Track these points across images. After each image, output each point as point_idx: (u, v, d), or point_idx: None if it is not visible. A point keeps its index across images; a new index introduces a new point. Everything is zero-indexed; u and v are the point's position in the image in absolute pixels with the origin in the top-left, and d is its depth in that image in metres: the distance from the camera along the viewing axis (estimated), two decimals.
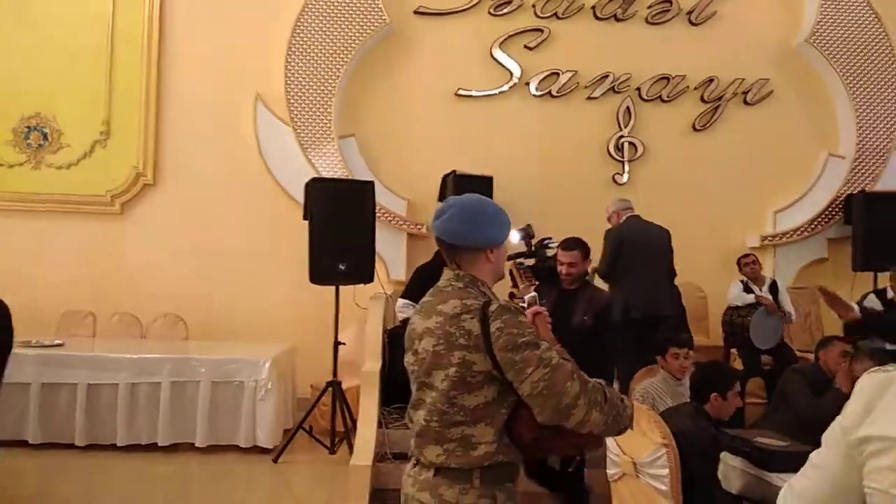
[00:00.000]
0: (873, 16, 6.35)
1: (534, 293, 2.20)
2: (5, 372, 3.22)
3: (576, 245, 3.83)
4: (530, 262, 4.01)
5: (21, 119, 6.23)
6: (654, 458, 2.54)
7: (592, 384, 1.72)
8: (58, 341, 5.30)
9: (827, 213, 6.33)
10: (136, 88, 6.24)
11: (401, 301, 5.01)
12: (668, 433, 2.53)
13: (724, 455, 2.89)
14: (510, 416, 1.75)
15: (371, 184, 5.31)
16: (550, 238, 4.28)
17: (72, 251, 6.11)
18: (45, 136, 6.26)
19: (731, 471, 2.89)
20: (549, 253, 4.20)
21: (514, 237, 3.88)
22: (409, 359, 1.87)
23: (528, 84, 6.40)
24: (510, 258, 3.29)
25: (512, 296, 2.60)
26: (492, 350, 1.69)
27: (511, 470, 1.79)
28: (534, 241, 4.26)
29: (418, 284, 4.67)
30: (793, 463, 2.64)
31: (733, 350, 5.65)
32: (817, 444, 1.17)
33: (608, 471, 2.90)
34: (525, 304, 2.14)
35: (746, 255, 5.81)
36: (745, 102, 6.45)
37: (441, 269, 1.95)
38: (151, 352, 5.12)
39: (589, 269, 4.18)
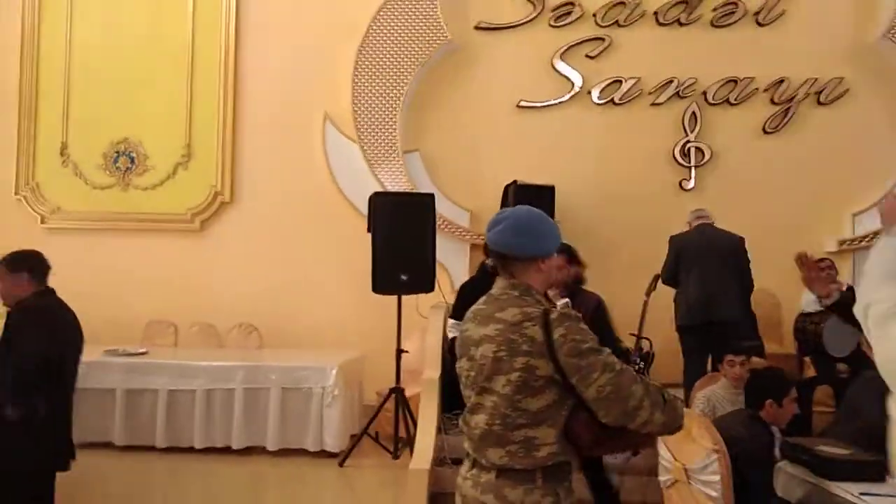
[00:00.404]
0: None
1: (566, 299, 2.27)
2: (83, 376, 3.45)
3: (562, 249, 3.61)
4: None
5: (110, 144, 6.71)
6: (706, 464, 2.51)
7: (653, 386, 1.81)
8: (142, 350, 5.64)
9: None
10: (214, 113, 6.62)
11: (450, 321, 5.05)
12: (719, 439, 2.49)
13: (784, 463, 2.80)
14: (569, 417, 1.82)
15: (431, 196, 5.43)
16: None
17: (156, 266, 6.51)
18: (132, 160, 6.71)
19: (791, 479, 2.80)
20: None
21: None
22: (463, 364, 1.95)
23: (589, 93, 6.39)
24: None
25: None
26: (555, 356, 1.77)
27: (569, 468, 1.87)
28: None
29: (463, 303, 4.72)
30: (855, 472, 2.57)
31: (807, 358, 5.42)
32: (883, 454, 1.18)
33: (660, 477, 2.87)
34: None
35: (822, 260, 5.57)
36: (819, 103, 6.22)
37: (484, 282, 2.04)
38: (226, 360, 5.38)
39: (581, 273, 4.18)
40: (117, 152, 6.72)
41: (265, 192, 6.55)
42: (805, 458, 2.72)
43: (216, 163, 6.61)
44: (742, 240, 5.08)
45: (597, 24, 6.41)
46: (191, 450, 5.14)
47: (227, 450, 5.14)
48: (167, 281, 6.45)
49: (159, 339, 6.21)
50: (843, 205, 6.16)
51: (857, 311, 1.35)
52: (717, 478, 2.41)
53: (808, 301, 5.39)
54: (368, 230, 5.23)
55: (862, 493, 2.39)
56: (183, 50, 6.66)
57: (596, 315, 3.70)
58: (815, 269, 3.13)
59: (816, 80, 6.20)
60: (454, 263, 6.31)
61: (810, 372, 5.29)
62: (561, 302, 2.31)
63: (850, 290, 5.36)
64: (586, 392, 1.77)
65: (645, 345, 4.76)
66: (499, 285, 1.95)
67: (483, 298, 2.00)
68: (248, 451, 5.15)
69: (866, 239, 6.00)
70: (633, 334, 4.77)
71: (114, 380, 5.18)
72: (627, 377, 1.77)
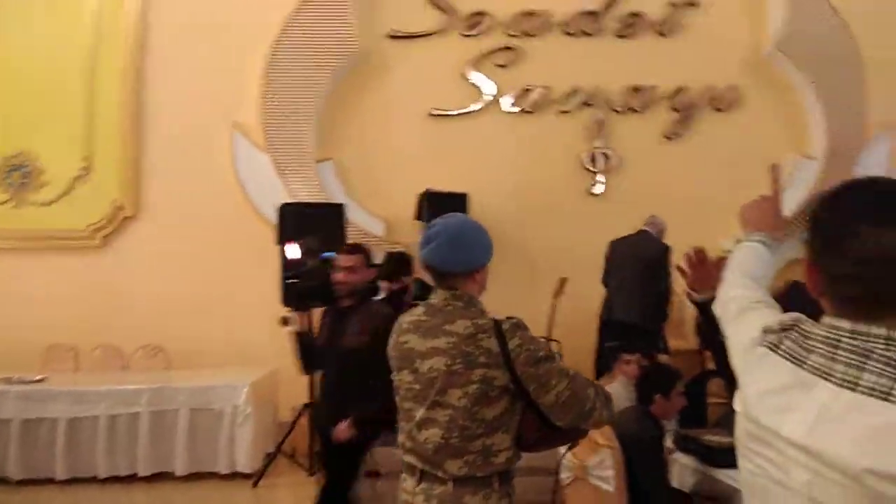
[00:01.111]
0: (840, 22, 6.41)
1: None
2: None
3: (358, 249, 3.46)
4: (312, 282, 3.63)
5: (3, 159, 6.34)
6: (601, 460, 2.55)
7: (599, 385, 1.91)
8: (38, 377, 5.33)
9: (800, 214, 6.33)
10: (116, 124, 6.35)
11: None
12: (611, 435, 2.55)
13: (678, 455, 2.89)
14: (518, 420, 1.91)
15: (341, 206, 5.38)
16: (333, 251, 3.69)
17: (54, 286, 6.17)
18: (27, 175, 6.36)
19: (684, 469, 2.89)
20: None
21: (294, 251, 3.71)
22: (404, 377, 1.95)
23: (500, 101, 6.48)
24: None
25: None
26: (512, 366, 1.81)
27: (516, 468, 1.95)
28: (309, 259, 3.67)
29: None
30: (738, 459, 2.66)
31: (708, 352, 5.63)
32: None
33: (561, 475, 2.91)
34: None
35: (721, 259, 5.80)
36: (716, 110, 6.51)
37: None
38: (131, 383, 5.15)
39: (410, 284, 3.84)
40: (11, 167, 6.36)
41: (171, 206, 6.33)
42: (694, 447, 2.82)
43: (118, 176, 6.33)
44: (666, 249, 5.23)
45: (507, 33, 6.51)
46: (94, 480, 4.88)
47: (132, 478, 4.91)
48: (67, 302, 6.12)
49: (59, 363, 5.88)
50: (739, 206, 6.41)
51: (717, 307, 1.41)
52: (611, 472, 2.46)
53: None
54: (278, 242, 5.12)
55: None
56: (82, 59, 6.36)
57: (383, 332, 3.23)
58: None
59: (714, 87, 6.50)
60: None
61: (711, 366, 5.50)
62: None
63: None
64: (544, 398, 1.82)
65: (554, 347, 4.84)
66: (439, 296, 1.96)
67: (421, 309, 1.99)
68: (155, 477, 4.94)
69: None
70: (543, 337, 4.84)
71: (9, 409, 4.88)
72: (581, 381, 1.85)
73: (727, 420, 3.65)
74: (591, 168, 6.47)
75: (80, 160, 6.35)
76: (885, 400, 0.91)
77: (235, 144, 6.35)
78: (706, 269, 1.81)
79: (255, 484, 4.78)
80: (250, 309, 6.09)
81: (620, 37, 6.56)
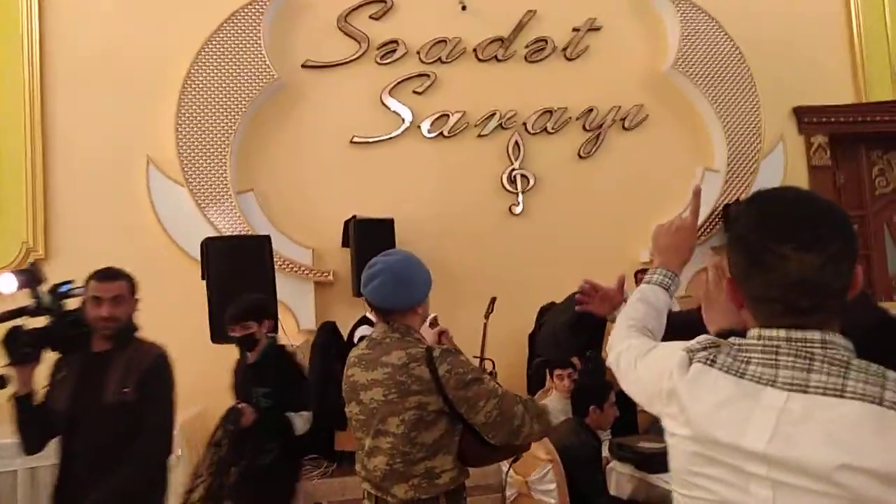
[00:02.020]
0: (728, 39, 6.91)
1: (433, 315, 2.48)
2: None
3: (120, 274, 2.78)
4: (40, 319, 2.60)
5: None
6: (542, 474, 2.66)
7: (528, 399, 2.01)
8: None
9: (708, 223, 6.76)
10: (21, 161, 6.07)
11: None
12: (551, 449, 2.66)
13: (615, 463, 3.04)
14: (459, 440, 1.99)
15: (267, 238, 5.34)
16: (71, 282, 2.87)
17: None
18: None
19: (621, 477, 3.04)
20: (73, 303, 2.75)
21: (8, 284, 2.58)
22: (353, 409, 2.06)
23: (419, 127, 6.61)
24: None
25: None
26: (443, 390, 1.92)
27: (464, 487, 2.03)
28: (42, 290, 2.67)
29: None
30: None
31: None
32: None
33: (506, 492, 3.00)
34: (429, 325, 2.36)
35: (643, 271, 6.12)
36: (624, 128, 6.87)
37: None
38: None
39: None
40: None
41: (85, 245, 6.07)
42: (629, 455, 2.97)
43: (26, 215, 6.05)
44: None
45: (421, 60, 6.66)
46: None
47: None
48: None
49: None
50: (651, 218, 6.76)
51: (610, 360, 1.43)
52: (553, 486, 2.57)
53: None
54: (203, 277, 5.03)
55: None
56: None
57: (152, 380, 2.60)
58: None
59: (620, 107, 6.85)
60: (299, 303, 6.21)
61: None
62: (430, 317, 2.46)
63: None
64: (475, 419, 1.93)
65: (488, 365, 4.96)
66: (379, 330, 2.09)
67: (364, 343, 2.11)
68: None
69: None
70: (477, 357, 4.96)
71: None
72: (509, 400, 1.96)
73: (657, 426, 3.85)
74: (511, 189, 6.67)
75: None
76: (841, 397, 0.94)
77: (151, 179, 6.20)
78: (605, 294, 1.80)
79: None
80: (177, 347, 5.89)
81: (530, 61, 6.82)
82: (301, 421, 3.45)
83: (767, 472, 0.97)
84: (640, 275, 6.04)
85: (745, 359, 1.05)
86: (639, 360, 1.29)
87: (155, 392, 2.57)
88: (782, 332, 1.02)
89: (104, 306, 2.61)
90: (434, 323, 2.39)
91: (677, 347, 1.18)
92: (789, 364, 1.00)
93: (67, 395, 2.53)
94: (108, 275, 2.73)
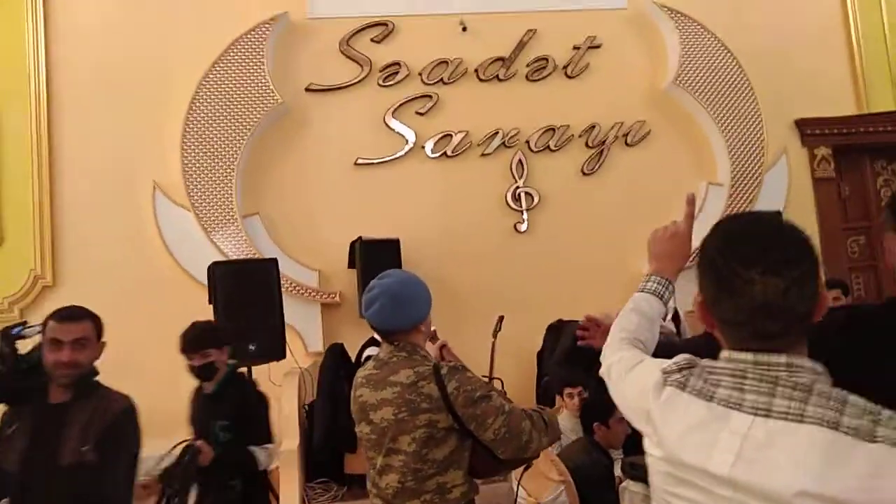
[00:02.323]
0: (728, 53, 6.95)
1: (443, 340, 2.52)
2: None
3: (85, 314, 2.49)
4: None
5: None
6: (555, 496, 2.65)
7: (535, 414, 2.05)
8: None
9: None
10: (27, 188, 6.12)
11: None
12: (563, 470, 2.65)
13: (628, 482, 3.01)
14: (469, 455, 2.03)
15: (274, 261, 5.35)
16: (24, 322, 2.76)
17: None
18: None
19: (634, 496, 3.02)
20: (28, 346, 2.56)
21: None
22: (363, 429, 2.09)
23: (423, 147, 6.64)
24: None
25: None
26: (452, 408, 1.95)
27: (473, 501, 2.07)
28: None
29: None
30: None
31: None
32: None
33: None
34: (429, 339, 2.40)
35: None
36: (627, 144, 6.88)
37: None
38: None
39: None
40: None
41: (93, 272, 6.12)
42: (641, 474, 2.93)
43: (34, 244, 6.09)
44: None
45: (423, 82, 6.71)
46: None
47: None
48: None
49: None
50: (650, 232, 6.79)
51: (602, 371, 1.46)
52: None
53: None
54: (210, 302, 5.04)
55: None
56: None
57: (116, 432, 2.33)
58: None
59: (622, 123, 6.87)
60: (306, 326, 6.21)
61: None
62: (439, 342, 2.52)
63: (676, 313, 5.94)
64: (484, 435, 1.97)
65: (497, 385, 4.94)
66: (385, 350, 2.14)
67: (371, 363, 2.15)
68: None
69: None
70: (485, 376, 4.94)
71: None
72: (516, 416, 2.00)
73: None
74: (516, 207, 6.69)
75: None
76: (801, 422, 0.97)
77: (157, 204, 6.24)
78: (606, 329, 1.74)
79: None
80: (183, 372, 5.91)
81: (531, 80, 6.86)
82: (264, 455, 3.24)
83: (733, 495, 0.99)
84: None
85: (716, 381, 1.07)
86: (626, 375, 1.32)
87: (118, 451, 2.23)
88: (749, 356, 1.05)
89: (64, 350, 2.32)
90: (434, 337, 2.43)
91: (656, 367, 1.20)
92: (754, 388, 1.02)
93: (18, 453, 2.21)
94: (70, 315, 2.43)
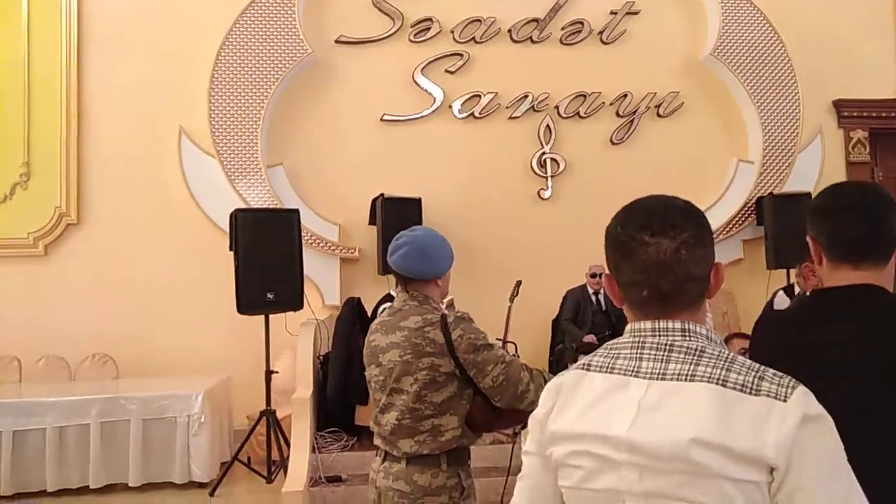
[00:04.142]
0: (770, 27, 6.74)
1: (451, 297, 2.59)
2: None
3: None
4: None
5: None
6: None
7: (536, 371, 2.14)
8: None
9: (740, 215, 6.65)
10: (56, 128, 6.17)
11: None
12: None
13: None
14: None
15: (296, 211, 5.36)
16: None
17: None
18: None
19: None
20: None
21: None
22: (373, 371, 2.21)
23: (450, 107, 6.56)
24: None
25: None
26: (455, 354, 2.06)
27: (468, 452, 2.18)
28: None
29: None
30: None
31: None
32: None
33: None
34: (444, 308, 2.52)
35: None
36: (658, 115, 6.75)
37: None
38: (79, 393, 5.03)
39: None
40: None
41: (117, 212, 6.19)
42: None
43: (60, 182, 6.15)
44: None
45: (455, 40, 6.60)
46: (42, 493, 4.75)
47: (84, 490, 4.80)
48: (8, 312, 5.92)
49: (1, 375, 5.68)
50: None
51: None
52: None
53: None
54: (231, 248, 5.08)
55: None
56: (16, 62, 6.16)
57: None
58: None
59: (655, 94, 6.73)
60: (324, 279, 6.25)
61: None
62: (446, 299, 2.62)
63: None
64: (483, 382, 2.07)
65: (511, 349, 4.95)
66: (400, 298, 2.24)
67: (387, 311, 2.28)
68: (108, 489, 4.84)
69: None
70: (500, 339, 4.95)
71: None
72: (515, 366, 2.09)
73: None
74: (540, 173, 6.62)
75: (18, 166, 6.14)
76: (691, 381, 1.03)
77: (183, 150, 6.25)
78: None
79: (213, 493, 4.73)
80: (202, 316, 6.02)
81: (565, 44, 6.73)
82: None
83: (630, 458, 1.04)
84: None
85: (615, 354, 1.13)
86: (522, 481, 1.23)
87: None
88: (648, 324, 1.11)
89: None
90: (451, 305, 2.55)
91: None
92: (650, 356, 1.09)
93: None
94: None
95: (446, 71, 6.59)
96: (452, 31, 6.58)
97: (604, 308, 5.90)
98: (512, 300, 5.08)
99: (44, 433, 4.80)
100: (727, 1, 6.71)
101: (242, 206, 5.84)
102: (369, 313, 5.32)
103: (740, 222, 6.64)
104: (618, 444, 1.04)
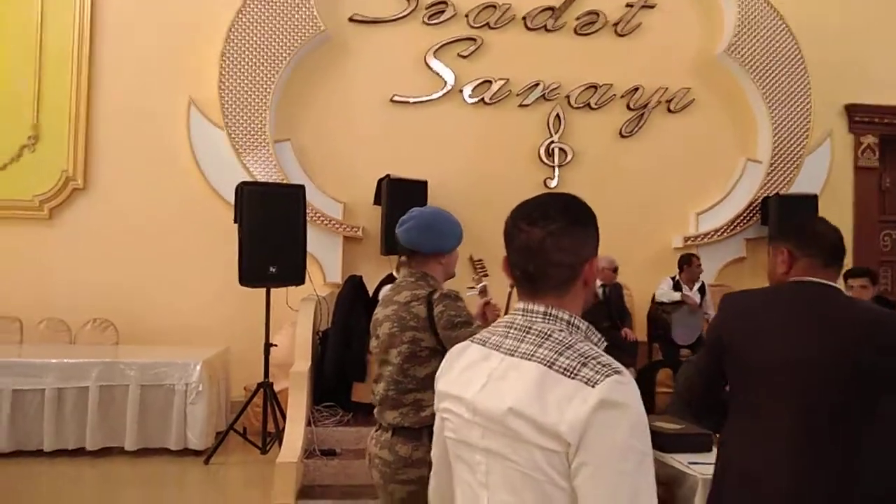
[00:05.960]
0: (786, 28, 6.72)
1: (485, 283, 2.59)
2: None
3: None
4: None
5: None
6: None
7: None
8: None
9: (745, 214, 6.65)
10: (66, 93, 6.17)
11: None
12: None
13: None
14: None
15: (301, 187, 5.37)
16: None
17: None
18: None
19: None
20: None
21: None
22: (373, 343, 2.29)
23: (461, 91, 6.55)
24: None
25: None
26: (436, 329, 2.11)
27: None
28: None
29: None
30: (685, 444, 2.85)
31: (656, 344, 5.89)
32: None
33: None
34: (478, 293, 2.61)
35: (696, 258, 6.04)
36: (669, 110, 6.74)
37: None
38: (79, 356, 5.07)
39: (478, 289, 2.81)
40: None
41: (123, 179, 6.20)
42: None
43: (68, 146, 6.16)
44: None
45: (469, 24, 6.58)
46: (39, 453, 4.80)
47: (80, 451, 4.85)
48: (11, 273, 5.95)
49: (2, 335, 5.72)
50: (688, 205, 6.73)
51: None
52: None
53: (663, 291, 5.90)
54: (235, 221, 5.09)
55: (690, 462, 2.67)
56: (29, 27, 6.15)
57: None
58: None
59: (667, 89, 6.71)
60: (327, 256, 6.27)
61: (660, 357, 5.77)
62: (480, 286, 2.69)
63: (703, 285, 5.93)
64: None
65: None
66: (402, 274, 2.30)
67: (392, 286, 2.32)
68: (104, 451, 4.89)
69: (708, 236, 6.61)
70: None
71: None
72: None
73: (675, 408, 3.86)
74: (548, 162, 6.62)
75: (27, 129, 6.15)
76: (529, 360, 1.17)
77: (192, 120, 6.25)
78: None
79: (207, 461, 4.78)
80: (203, 286, 6.05)
81: (579, 34, 6.70)
82: None
83: (473, 418, 1.21)
84: (695, 261, 5.96)
85: (493, 330, 1.29)
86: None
87: None
88: (521, 305, 1.25)
89: None
90: (483, 292, 2.58)
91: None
92: (513, 335, 1.23)
93: None
94: None
95: (459, 55, 6.57)
96: (467, 16, 6.56)
97: (601, 299, 5.92)
98: (512, 286, 5.10)
99: (42, 394, 4.85)
100: None
101: (249, 179, 5.86)
102: (370, 293, 5.35)
103: (745, 221, 6.65)
104: (469, 405, 1.22)
